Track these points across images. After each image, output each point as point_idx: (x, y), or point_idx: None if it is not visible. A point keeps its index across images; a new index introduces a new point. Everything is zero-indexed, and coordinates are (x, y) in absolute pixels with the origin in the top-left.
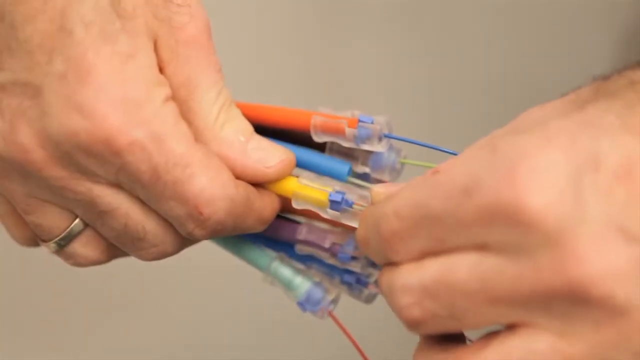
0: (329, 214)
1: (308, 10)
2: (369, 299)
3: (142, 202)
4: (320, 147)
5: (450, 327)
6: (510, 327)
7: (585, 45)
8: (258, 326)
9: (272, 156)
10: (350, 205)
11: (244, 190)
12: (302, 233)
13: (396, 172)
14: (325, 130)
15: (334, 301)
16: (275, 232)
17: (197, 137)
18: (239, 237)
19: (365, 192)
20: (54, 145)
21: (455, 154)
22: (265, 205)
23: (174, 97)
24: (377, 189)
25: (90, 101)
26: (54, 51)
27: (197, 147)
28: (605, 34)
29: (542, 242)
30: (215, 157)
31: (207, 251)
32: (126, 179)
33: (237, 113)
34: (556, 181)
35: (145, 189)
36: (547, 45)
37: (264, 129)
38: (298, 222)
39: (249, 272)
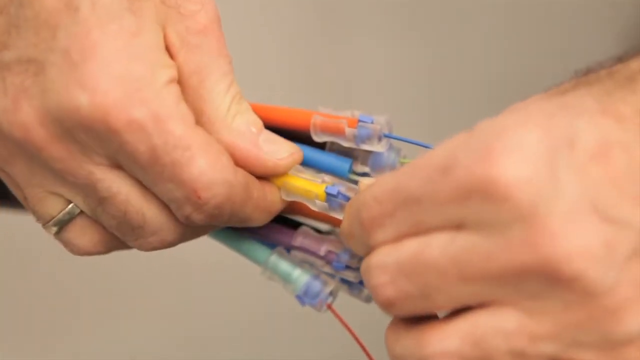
0: (317, 205)
1: (309, 9)
2: (369, 299)
3: (142, 187)
4: (321, 147)
5: (423, 307)
6: (480, 305)
7: (586, 45)
8: (258, 326)
9: (282, 149)
10: (347, 199)
11: (243, 177)
12: (298, 240)
13: None
14: (325, 130)
15: (333, 294)
16: (271, 238)
17: (208, 126)
18: (237, 233)
19: (355, 185)
20: (54, 123)
21: None
22: (265, 195)
23: (186, 86)
24: (366, 181)
25: (92, 76)
26: (59, 27)
27: (197, 130)
28: (606, 34)
29: (515, 218)
30: (215, 142)
31: (207, 251)
32: (125, 159)
33: (247, 106)
34: (531, 158)
35: (143, 170)
36: (548, 45)
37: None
38: (294, 229)
39: (249, 272)
